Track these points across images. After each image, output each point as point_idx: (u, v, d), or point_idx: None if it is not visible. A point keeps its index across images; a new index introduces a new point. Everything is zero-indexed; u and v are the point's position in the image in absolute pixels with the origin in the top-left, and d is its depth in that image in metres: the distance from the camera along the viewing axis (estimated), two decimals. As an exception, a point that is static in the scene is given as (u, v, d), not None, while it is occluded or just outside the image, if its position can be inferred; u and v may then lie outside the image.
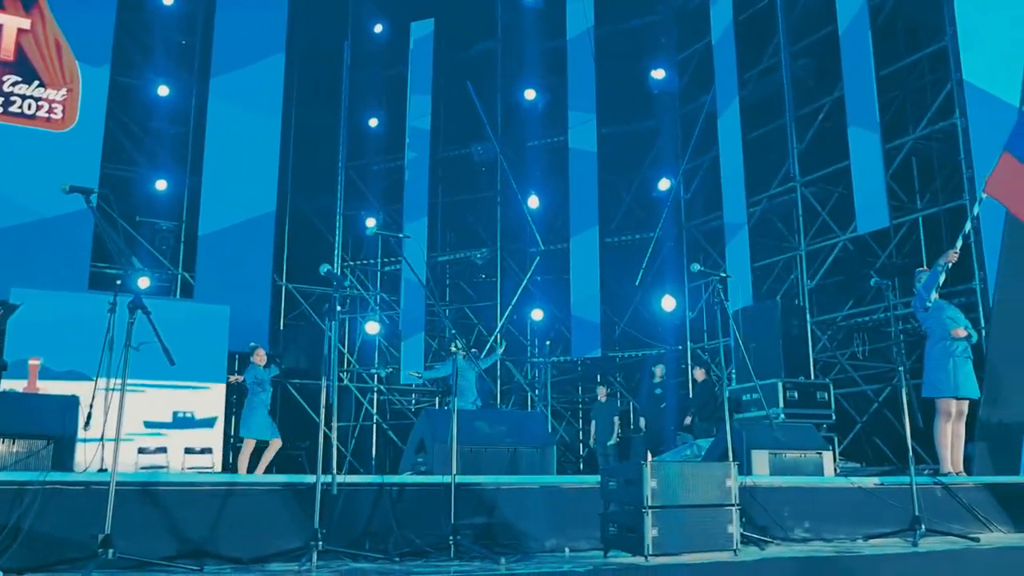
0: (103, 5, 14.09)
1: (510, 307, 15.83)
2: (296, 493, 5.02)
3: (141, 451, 11.26)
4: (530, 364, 15.62)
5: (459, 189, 16.83)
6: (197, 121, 14.88)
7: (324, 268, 5.44)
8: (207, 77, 14.91)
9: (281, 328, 15.00)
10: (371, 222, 15.85)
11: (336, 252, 15.81)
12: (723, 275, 7.80)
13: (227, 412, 12.69)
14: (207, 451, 11.75)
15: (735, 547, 4.72)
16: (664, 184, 15.79)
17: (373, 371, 15.63)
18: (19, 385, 8.96)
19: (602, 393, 13.52)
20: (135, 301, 4.57)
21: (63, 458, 5.56)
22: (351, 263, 16.39)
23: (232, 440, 13.96)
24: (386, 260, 16.52)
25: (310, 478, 4.95)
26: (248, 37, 15.07)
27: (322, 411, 4.87)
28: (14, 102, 13.44)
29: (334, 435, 5.12)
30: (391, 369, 15.51)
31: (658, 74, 15.92)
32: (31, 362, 9.42)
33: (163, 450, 11.43)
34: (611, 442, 12.83)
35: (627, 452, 13.01)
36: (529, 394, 15.26)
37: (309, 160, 15.89)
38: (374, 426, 15.41)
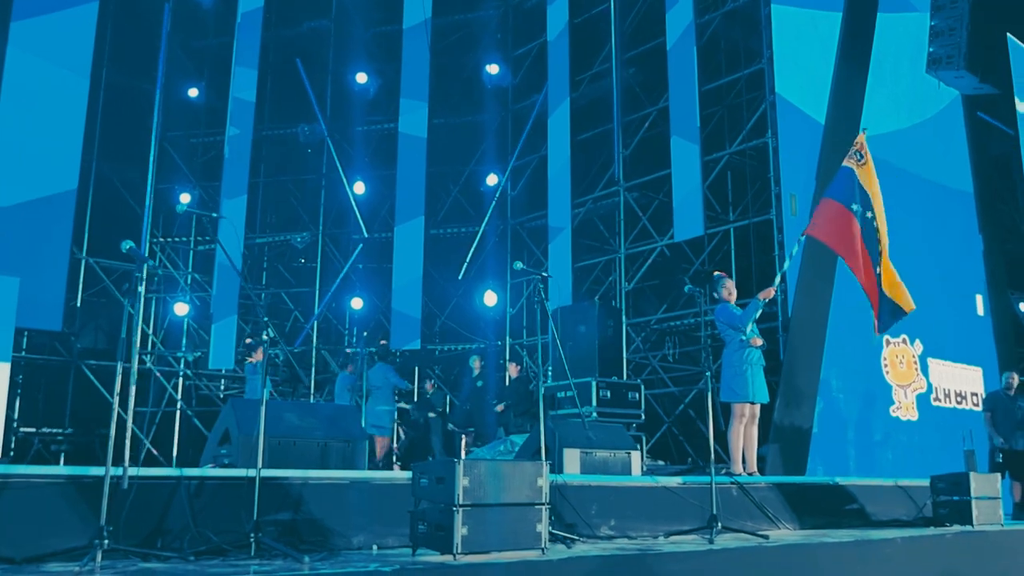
0: None
1: (329, 294, 15.45)
2: (82, 487, 4.62)
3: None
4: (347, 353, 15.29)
5: (283, 169, 16.25)
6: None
7: (127, 245, 5.01)
8: (7, 20, 13.50)
9: (78, 305, 13.89)
10: (185, 198, 15.01)
11: (145, 227, 14.74)
12: (544, 275, 7.86)
13: (10, 394, 11.64)
14: (-17, 436, 10.69)
15: (543, 546, 4.75)
16: (492, 179, 15.91)
17: (179, 355, 14.81)
18: None
19: (429, 386, 13.54)
20: None
21: None
22: (162, 240, 15.44)
23: (16, 425, 12.86)
24: (200, 239, 15.68)
25: (98, 470, 4.56)
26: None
27: (115, 400, 4.50)
28: None
29: (130, 422, 4.73)
30: (199, 353, 14.74)
31: (492, 69, 16.00)
32: None
33: (-73, 436, 10.29)
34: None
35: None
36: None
37: (120, 126, 14.68)
38: (178, 413, 14.61)
